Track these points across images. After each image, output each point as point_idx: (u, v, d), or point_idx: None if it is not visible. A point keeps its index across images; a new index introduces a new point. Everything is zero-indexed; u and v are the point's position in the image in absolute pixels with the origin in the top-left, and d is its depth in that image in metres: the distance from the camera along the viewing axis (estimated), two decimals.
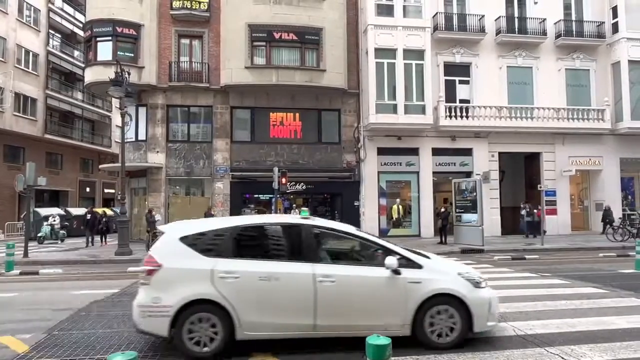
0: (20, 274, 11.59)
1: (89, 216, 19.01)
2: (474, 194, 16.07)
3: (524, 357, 4.75)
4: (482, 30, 20.50)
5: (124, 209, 15.88)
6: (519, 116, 20.32)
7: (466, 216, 16.38)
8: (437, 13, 20.25)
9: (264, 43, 19.01)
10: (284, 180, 15.50)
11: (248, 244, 5.30)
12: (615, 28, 21.38)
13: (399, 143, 20.11)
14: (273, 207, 17.88)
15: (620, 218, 19.12)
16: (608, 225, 19.20)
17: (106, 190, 36.90)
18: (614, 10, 21.45)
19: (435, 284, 5.03)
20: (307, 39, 19.12)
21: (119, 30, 18.65)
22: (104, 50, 18.79)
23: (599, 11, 21.70)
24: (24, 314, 7.01)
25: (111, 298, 8.05)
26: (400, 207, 19.80)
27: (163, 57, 19.36)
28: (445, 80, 20.54)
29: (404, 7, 19.64)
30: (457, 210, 16.88)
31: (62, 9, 31.68)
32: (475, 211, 15.94)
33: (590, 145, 21.19)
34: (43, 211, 23.00)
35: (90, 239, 18.53)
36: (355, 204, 19.95)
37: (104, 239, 19.29)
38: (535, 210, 18.79)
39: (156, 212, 16.83)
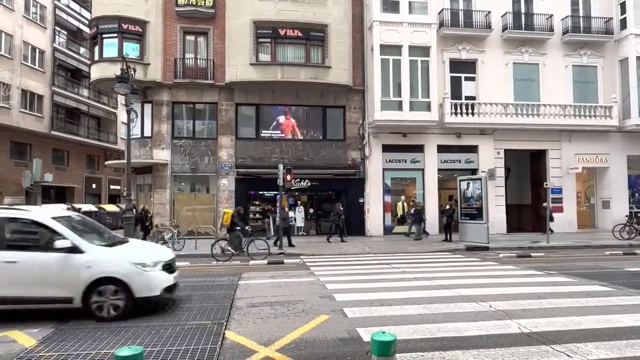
0: None
1: (140, 213, 16.48)
2: (480, 201, 16.02)
3: (529, 355, 4.74)
4: (488, 26, 20.37)
5: (130, 206, 15.96)
6: (525, 113, 20.20)
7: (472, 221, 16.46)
8: (442, 9, 20.14)
9: (268, 40, 19.00)
10: (288, 177, 15.49)
11: None
12: (623, 24, 21.16)
13: (404, 140, 20.07)
14: (278, 204, 17.91)
15: (627, 216, 18.98)
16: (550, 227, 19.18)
17: (112, 187, 37.13)
18: (622, 5, 21.23)
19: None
20: (312, 36, 19.09)
21: (125, 27, 18.71)
22: (110, 47, 18.86)
23: (606, 7, 21.50)
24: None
25: None
26: (405, 204, 19.77)
27: (168, 54, 19.40)
28: (451, 77, 20.45)
29: (410, 3, 19.53)
30: (463, 217, 16.89)
31: (68, 6, 31.79)
32: (482, 218, 15.91)
33: (597, 143, 21.05)
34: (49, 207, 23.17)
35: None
36: (360, 201, 19.94)
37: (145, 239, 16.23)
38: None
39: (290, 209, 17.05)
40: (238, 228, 13.65)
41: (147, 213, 16.76)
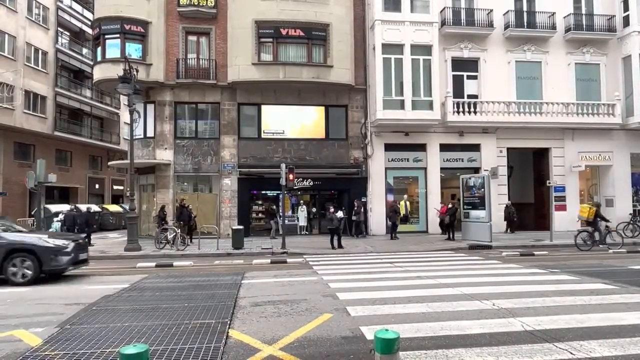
0: None
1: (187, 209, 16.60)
2: (482, 190, 15.99)
3: (532, 352, 4.73)
4: (490, 24, 20.33)
5: (133, 205, 16.04)
6: (528, 111, 20.16)
7: (474, 212, 16.35)
8: (444, 8, 20.12)
9: (270, 39, 19.02)
10: (291, 176, 15.51)
11: None
12: (626, 21, 21.10)
13: (406, 139, 20.06)
14: (281, 204, 17.94)
15: (630, 214, 18.93)
16: (510, 224, 19.35)
17: (115, 187, 37.26)
18: (625, 3, 21.16)
19: None
20: (314, 35, 19.10)
21: (127, 27, 18.76)
22: (112, 47, 18.91)
23: (609, 4, 21.44)
24: (36, 308, 7.13)
25: (122, 293, 8.14)
26: (408, 203, 19.76)
27: (170, 54, 19.45)
28: (453, 75, 20.44)
29: (411, 2, 19.54)
30: (465, 207, 16.82)
31: (70, 7, 31.90)
32: (484, 207, 15.88)
33: (600, 141, 20.99)
34: (53, 208, 23.29)
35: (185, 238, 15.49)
36: (363, 200, 19.93)
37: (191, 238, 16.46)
38: (362, 209, 18.79)
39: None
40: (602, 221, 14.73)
41: (190, 212, 16.98)
